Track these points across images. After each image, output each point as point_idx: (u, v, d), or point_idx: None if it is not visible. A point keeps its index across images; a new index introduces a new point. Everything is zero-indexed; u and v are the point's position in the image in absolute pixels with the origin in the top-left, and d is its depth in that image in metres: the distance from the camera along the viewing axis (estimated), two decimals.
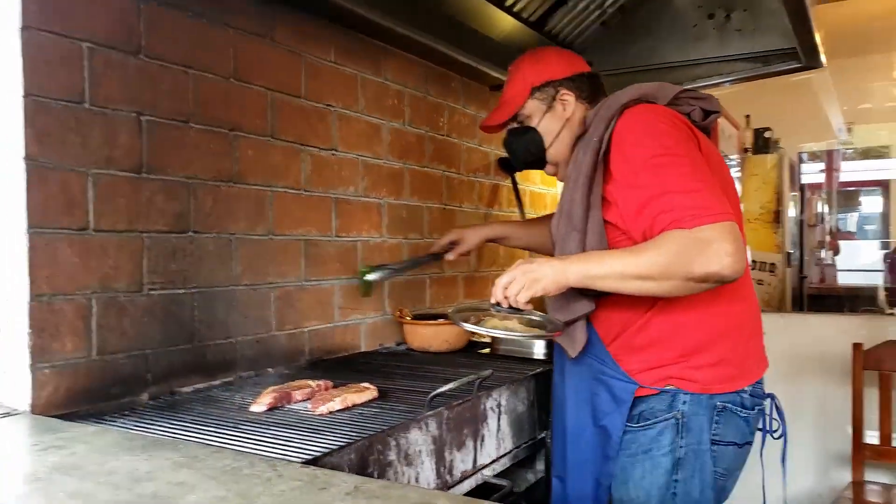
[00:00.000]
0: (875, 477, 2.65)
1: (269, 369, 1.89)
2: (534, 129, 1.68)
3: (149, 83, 1.60)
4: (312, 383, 1.60)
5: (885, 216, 6.44)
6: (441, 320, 2.30)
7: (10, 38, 1.35)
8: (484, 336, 2.43)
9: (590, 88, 1.66)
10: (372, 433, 1.24)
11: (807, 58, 2.76)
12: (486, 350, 2.24)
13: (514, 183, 3.15)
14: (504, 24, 2.58)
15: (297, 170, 2.02)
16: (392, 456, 1.26)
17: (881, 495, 2.48)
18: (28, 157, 1.35)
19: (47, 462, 1.02)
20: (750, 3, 2.95)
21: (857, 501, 2.37)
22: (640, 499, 1.47)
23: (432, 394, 1.42)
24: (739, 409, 1.46)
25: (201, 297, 1.71)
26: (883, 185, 6.49)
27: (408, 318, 2.35)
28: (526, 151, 1.71)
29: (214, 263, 1.75)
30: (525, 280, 1.39)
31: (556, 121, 1.66)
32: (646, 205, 1.34)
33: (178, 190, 1.67)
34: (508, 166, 3.12)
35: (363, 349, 2.26)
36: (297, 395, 1.54)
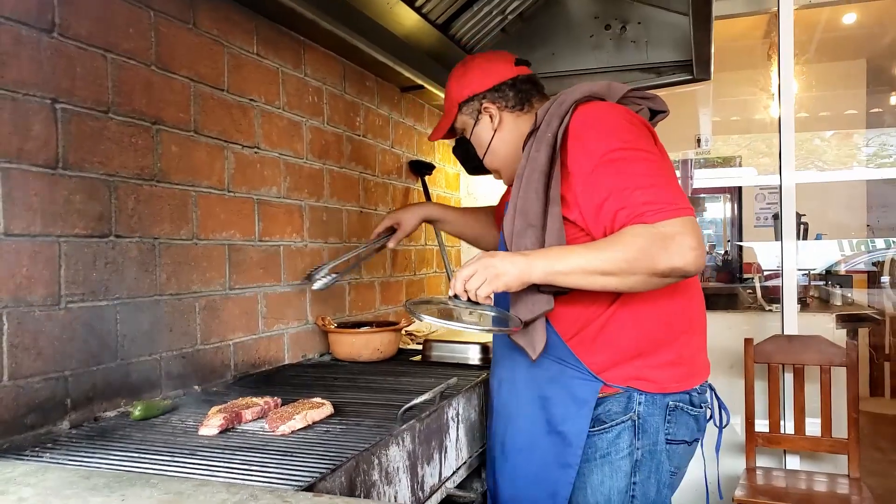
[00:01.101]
0: (764, 462, 2.89)
1: (196, 387, 1.72)
2: (468, 141, 1.73)
3: (65, 66, 1.41)
4: (259, 400, 1.48)
5: (732, 220, 7.07)
6: (367, 328, 2.22)
7: None
8: (436, 329, 2.38)
9: (515, 96, 1.65)
10: (355, 452, 1.15)
11: (699, 70, 2.95)
12: (418, 357, 2.19)
13: (425, 186, 3.12)
14: (410, 22, 2.54)
15: (220, 168, 1.86)
16: (375, 475, 1.18)
17: (772, 478, 2.70)
18: None
19: None
20: (644, 16, 3.11)
21: (753, 485, 2.57)
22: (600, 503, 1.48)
23: (404, 406, 1.35)
24: (689, 407, 1.50)
25: (124, 309, 1.52)
26: (730, 192, 7.12)
27: (331, 326, 2.24)
28: (466, 161, 1.78)
29: (138, 271, 1.57)
30: (487, 274, 1.34)
31: (486, 132, 1.68)
32: (606, 200, 1.33)
33: (97, 188, 1.47)
34: (419, 169, 3.09)
35: (287, 361, 2.13)
36: (248, 414, 1.41)
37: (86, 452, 1.21)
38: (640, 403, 1.45)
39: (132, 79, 1.57)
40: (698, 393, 1.53)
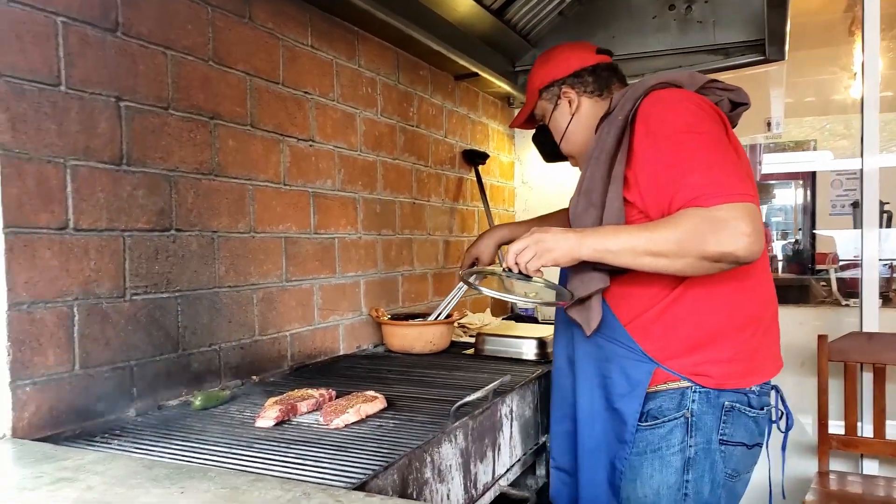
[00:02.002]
0: (838, 466, 2.76)
1: (254, 377, 1.75)
2: (547, 127, 1.75)
3: (128, 65, 1.44)
4: (314, 392, 1.50)
5: (804, 208, 6.77)
6: (420, 320, 2.22)
7: None
8: (488, 323, 2.36)
9: (595, 82, 1.66)
10: (407, 450, 1.16)
11: (773, 50, 2.80)
12: (471, 351, 2.18)
13: (478, 175, 3.09)
14: (465, 8, 2.50)
15: (276, 162, 1.89)
16: (428, 473, 1.18)
17: (846, 483, 2.59)
18: (1, 147, 1.18)
19: (66, 500, 0.88)
20: None
21: (826, 490, 2.46)
22: (649, 497, 1.45)
23: (458, 404, 1.35)
24: (747, 408, 1.45)
25: (185, 301, 1.57)
26: (802, 177, 6.81)
27: (384, 318, 2.25)
28: (543, 147, 1.80)
29: (197, 264, 1.61)
30: (538, 249, 1.37)
31: (563, 117, 1.69)
32: (665, 182, 1.31)
33: (159, 183, 1.51)
34: (472, 158, 3.07)
35: (342, 352, 2.15)
36: (303, 406, 1.43)
37: (150, 441, 1.25)
38: (693, 401, 1.42)
39: (190, 74, 1.60)
40: (757, 395, 1.47)
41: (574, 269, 1.45)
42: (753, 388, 1.47)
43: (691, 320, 1.42)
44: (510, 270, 1.41)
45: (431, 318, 2.18)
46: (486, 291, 1.45)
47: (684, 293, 1.42)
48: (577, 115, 1.66)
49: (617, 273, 1.42)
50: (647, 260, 1.31)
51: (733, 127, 1.52)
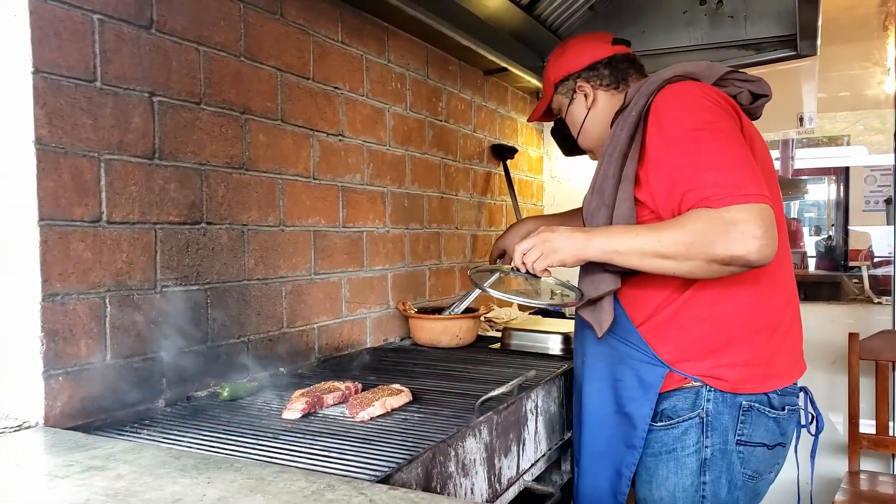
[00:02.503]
0: (869, 466, 2.71)
1: (282, 369, 1.78)
2: (564, 121, 1.74)
3: (161, 60, 1.47)
4: (341, 385, 1.51)
5: (837, 204, 6.62)
6: (447, 314, 2.22)
7: (17, 8, 1.19)
8: (515, 317, 2.37)
9: (611, 75, 1.63)
10: (432, 443, 1.16)
11: (805, 46, 2.75)
12: (497, 345, 2.18)
13: (507, 170, 3.08)
14: (494, 4, 2.49)
15: (306, 156, 1.90)
16: (452, 467, 1.18)
17: (877, 483, 2.54)
18: (38, 141, 1.21)
19: (95, 488, 0.90)
20: None
21: (856, 490, 2.42)
22: (665, 499, 1.44)
23: (483, 398, 1.35)
24: (767, 409, 1.42)
25: (214, 294, 1.59)
26: (835, 173, 6.66)
27: (411, 311, 2.26)
28: (561, 141, 1.80)
29: (227, 257, 1.63)
30: (543, 248, 1.38)
31: (579, 110, 1.69)
32: (676, 181, 1.28)
33: (190, 177, 1.54)
34: (501, 153, 3.06)
35: (369, 345, 2.17)
36: (329, 398, 1.44)
37: (178, 431, 1.27)
38: (708, 400, 1.40)
39: (222, 70, 1.62)
40: (779, 395, 1.43)
41: (584, 270, 1.44)
42: (776, 390, 1.44)
43: (705, 323, 1.39)
44: (517, 269, 1.42)
45: (446, 313, 2.17)
46: (492, 292, 1.45)
47: (696, 294, 1.39)
48: (594, 109, 1.64)
49: (630, 274, 1.39)
50: (655, 262, 1.29)
51: (755, 118, 1.49)
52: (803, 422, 1.54)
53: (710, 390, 1.40)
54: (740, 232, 1.18)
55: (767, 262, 1.22)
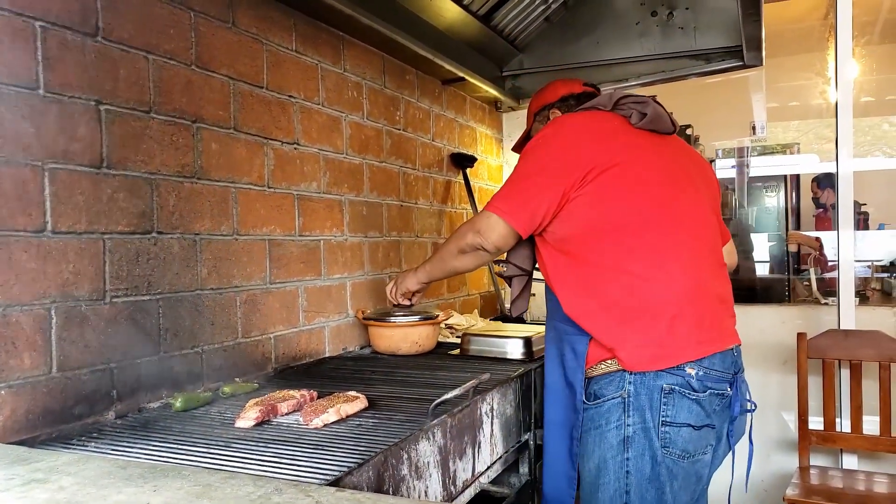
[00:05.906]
0: (818, 461, 2.78)
1: (237, 379, 1.76)
2: None
3: (108, 69, 1.45)
4: (296, 393, 1.50)
5: (790, 210, 6.79)
6: (405, 321, 2.22)
7: None
8: (475, 323, 2.52)
9: (577, 104, 1.85)
10: (384, 447, 1.16)
11: (750, 56, 2.84)
12: (457, 351, 2.19)
13: (466, 178, 3.10)
14: (451, 14, 2.53)
15: (260, 164, 1.90)
16: (405, 470, 1.19)
17: (827, 478, 2.60)
18: None
19: (37, 500, 0.88)
20: (692, 1, 3.01)
21: (807, 485, 2.48)
22: (593, 472, 1.56)
23: (436, 402, 1.35)
24: (688, 391, 1.50)
25: (167, 304, 1.57)
26: (783, 180, 6.84)
27: (370, 318, 2.25)
28: None
29: (179, 266, 1.61)
30: (397, 285, 2.02)
31: None
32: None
33: (140, 186, 1.52)
34: (460, 161, 3.08)
35: (328, 354, 2.16)
36: (284, 407, 1.43)
37: (128, 442, 1.25)
38: (630, 383, 1.52)
39: (173, 78, 1.61)
40: (698, 378, 1.50)
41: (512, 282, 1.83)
42: (690, 373, 1.51)
43: (598, 305, 1.56)
44: (397, 305, 2.05)
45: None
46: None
47: (584, 281, 1.58)
48: None
49: (556, 263, 1.63)
50: (449, 264, 1.81)
51: (666, 131, 1.68)
52: (742, 408, 1.59)
53: (631, 374, 1.51)
54: (474, 228, 1.67)
55: (488, 249, 1.65)
